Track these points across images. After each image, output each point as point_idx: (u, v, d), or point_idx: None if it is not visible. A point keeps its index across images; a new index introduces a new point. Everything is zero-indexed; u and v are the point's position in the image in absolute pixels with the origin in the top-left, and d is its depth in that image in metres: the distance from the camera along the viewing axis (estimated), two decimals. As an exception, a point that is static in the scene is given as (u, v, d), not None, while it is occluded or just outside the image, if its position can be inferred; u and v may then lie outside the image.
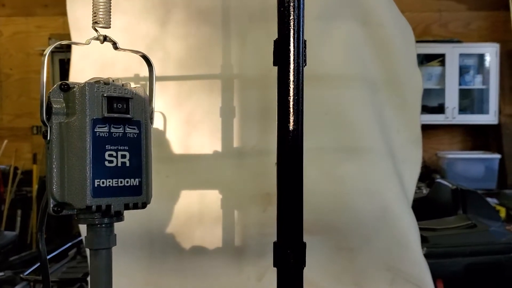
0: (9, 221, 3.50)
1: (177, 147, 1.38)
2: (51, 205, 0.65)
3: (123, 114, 0.66)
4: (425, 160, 3.70)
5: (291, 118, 0.73)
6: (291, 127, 0.73)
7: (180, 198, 1.38)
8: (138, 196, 0.68)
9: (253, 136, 1.36)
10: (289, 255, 0.71)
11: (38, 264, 1.63)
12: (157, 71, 1.35)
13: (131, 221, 1.32)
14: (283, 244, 0.73)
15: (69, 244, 2.13)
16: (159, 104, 1.35)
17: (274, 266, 0.73)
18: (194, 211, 1.37)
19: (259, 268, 1.32)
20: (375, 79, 1.39)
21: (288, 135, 0.73)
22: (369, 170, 1.34)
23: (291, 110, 0.72)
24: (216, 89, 1.36)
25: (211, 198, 1.37)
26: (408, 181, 1.41)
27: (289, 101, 0.73)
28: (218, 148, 1.37)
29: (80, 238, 2.12)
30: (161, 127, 1.37)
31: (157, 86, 1.36)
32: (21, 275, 1.84)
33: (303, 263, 0.73)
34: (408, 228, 1.35)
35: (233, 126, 1.37)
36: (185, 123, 1.38)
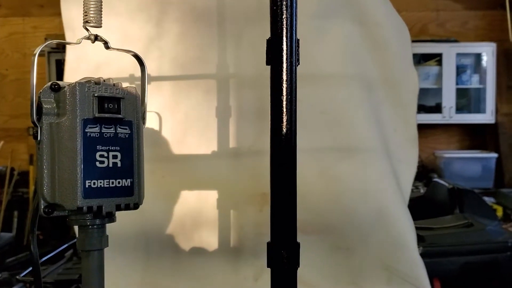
0: (6, 223, 3.48)
1: (172, 147, 1.38)
2: (42, 206, 0.64)
3: (114, 114, 0.65)
4: (422, 159, 3.70)
5: (284, 118, 0.73)
6: (284, 127, 0.72)
7: (176, 198, 1.37)
8: (130, 197, 0.67)
9: (249, 136, 1.36)
10: (283, 256, 0.71)
11: (34, 265, 1.62)
12: (152, 71, 1.35)
13: (127, 222, 1.32)
14: (276, 244, 0.72)
15: (65, 245, 2.12)
16: (154, 103, 1.35)
17: (268, 267, 0.72)
18: (190, 211, 1.37)
19: (256, 268, 1.32)
20: (372, 78, 1.39)
21: (281, 134, 0.72)
22: (365, 170, 1.34)
23: (284, 109, 0.72)
24: (212, 88, 1.36)
25: (207, 198, 1.36)
26: (405, 180, 1.41)
27: (282, 101, 0.72)
28: (214, 148, 1.36)
29: (76, 240, 2.11)
30: (156, 127, 1.37)
31: (152, 85, 1.36)
32: (17, 277, 1.84)
33: (297, 264, 0.72)
34: (405, 227, 1.34)
35: (229, 126, 1.36)
36: (181, 123, 1.37)
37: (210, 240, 1.36)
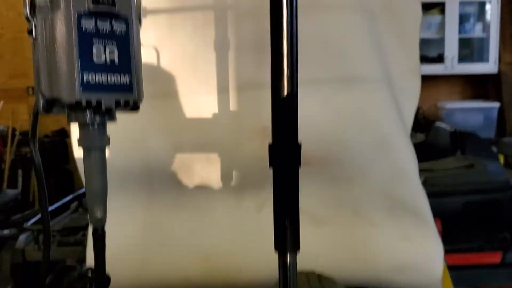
0: (11, 182, 3.52)
1: (172, 83, 1.36)
2: (41, 104, 0.64)
3: (108, 6, 0.64)
4: (424, 110, 3.68)
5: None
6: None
7: (178, 134, 1.37)
8: (129, 94, 0.67)
9: (249, 70, 1.34)
10: (285, 154, 0.71)
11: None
12: (148, 4, 1.32)
13: (130, 158, 1.33)
14: (278, 144, 0.72)
15: (71, 196, 2.14)
16: (150, 38, 1.32)
17: (269, 166, 0.73)
18: (192, 146, 1.37)
19: (258, 199, 1.33)
20: (373, 6, 1.36)
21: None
22: (366, 100, 1.33)
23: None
24: (209, 20, 1.33)
25: (208, 133, 1.36)
26: (407, 110, 1.40)
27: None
28: (214, 82, 1.35)
29: (81, 191, 2.12)
30: (154, 62, 1.35)
31: (148, 19, 1.33)
32: (24, 225, 1.86)
33: (298, 163, 0.72)
34: (406, 157, 1.35)
35: (227, 60, 1.34)
36: (179, 57, 1.35)
37: (212, 174, 1.37)
